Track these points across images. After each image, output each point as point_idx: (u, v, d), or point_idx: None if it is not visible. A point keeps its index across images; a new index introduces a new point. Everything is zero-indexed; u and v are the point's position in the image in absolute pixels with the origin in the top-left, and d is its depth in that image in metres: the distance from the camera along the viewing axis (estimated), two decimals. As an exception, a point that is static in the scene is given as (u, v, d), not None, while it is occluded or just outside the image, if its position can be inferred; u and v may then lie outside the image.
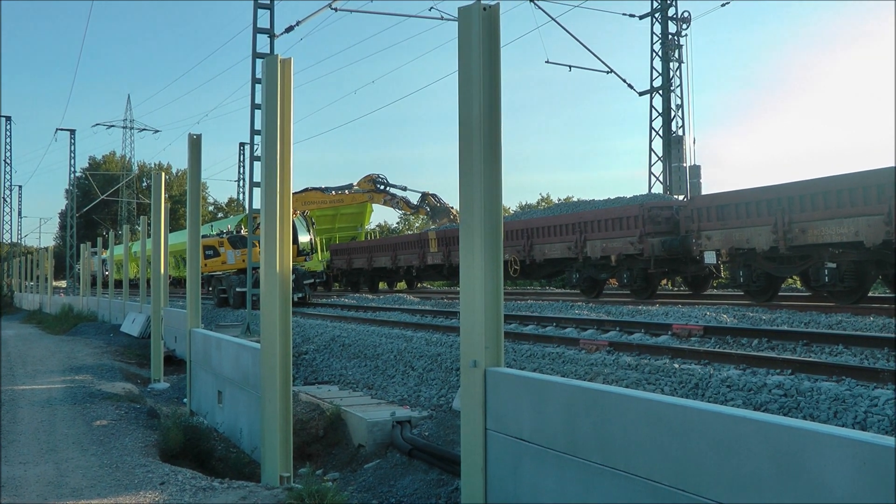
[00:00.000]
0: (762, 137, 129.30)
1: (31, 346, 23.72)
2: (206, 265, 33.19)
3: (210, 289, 33.87)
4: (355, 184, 38.87)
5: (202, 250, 34.38)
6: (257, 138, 25.02)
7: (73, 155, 64.82)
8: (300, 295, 30.71)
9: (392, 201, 38.82)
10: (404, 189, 39.65)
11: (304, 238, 35.35)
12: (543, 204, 72.71)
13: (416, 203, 39.24)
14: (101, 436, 9.99)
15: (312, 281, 33.02)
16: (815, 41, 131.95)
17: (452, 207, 38.38)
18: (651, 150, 35.45)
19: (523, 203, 79.67)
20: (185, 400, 14.67)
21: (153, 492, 7.36)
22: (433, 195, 39.35)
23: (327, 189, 38.88)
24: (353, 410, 11.28)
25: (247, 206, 27.92)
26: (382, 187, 38.77)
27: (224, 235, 34.15)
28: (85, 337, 27.13)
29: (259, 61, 23.41)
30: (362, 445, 10.54)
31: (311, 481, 7.10)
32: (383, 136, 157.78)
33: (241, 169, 69.81)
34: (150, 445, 9.56)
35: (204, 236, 35.33)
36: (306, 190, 38.22)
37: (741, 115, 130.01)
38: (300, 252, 34.13)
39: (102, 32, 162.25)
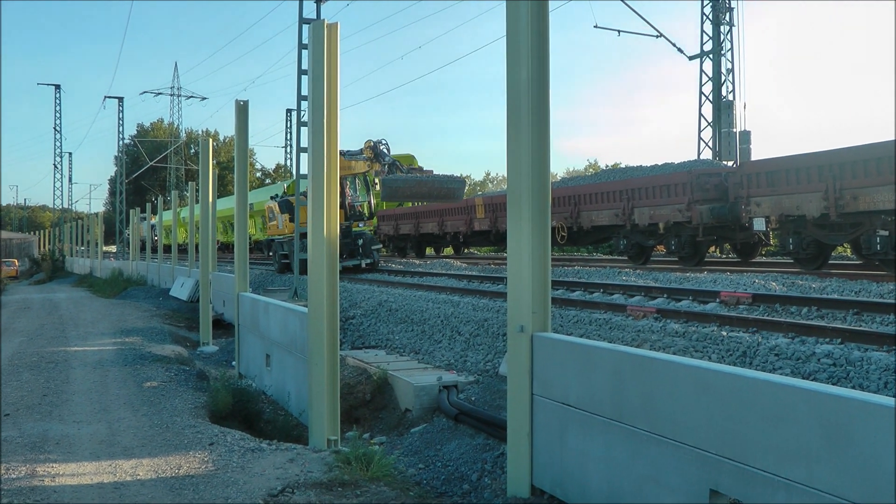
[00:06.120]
0: (814, 102, 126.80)
1: (83, 309, 24.18)
2: (269, 228, 32.33)
3: (270, 253, 32.49)
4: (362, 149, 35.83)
5: (266, 213, 33.85)
6: (304, 104, 25.05)
7: (121, 122, 65.72)
8: (369, 261, 28.35)
9: (383, 172, 34.60)
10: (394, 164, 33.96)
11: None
12: (591, 170, 72.24)
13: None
14: (151, 397, 10.18)
15: (380, 246, 30.94)
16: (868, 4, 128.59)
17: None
18: (701, 115, 35.08)
19: (570, 169, 79.23)
20: (233, 363, 14.87)
21: (202, 452, 7.49)
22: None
23: (347, 154, 35.87)
24: (400, 375, 11.35)
25: (294, 172, 27.80)
26: (383, 157, 33.45)
27: (276, 199, 32.83)
28: (134, 300, 27.59)
29: (305, 27, 23.41)
30: (409, 410, 10.61)
31: (357, 444, 7.19)
32: (431, 101, 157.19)
33: (289, 135, 70.04)
34: (200, 407, 9.72)
35: (272, 197, 34.46)
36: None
37: (792, 79, 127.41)
38: (358, 216, 29.69)
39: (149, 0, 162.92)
